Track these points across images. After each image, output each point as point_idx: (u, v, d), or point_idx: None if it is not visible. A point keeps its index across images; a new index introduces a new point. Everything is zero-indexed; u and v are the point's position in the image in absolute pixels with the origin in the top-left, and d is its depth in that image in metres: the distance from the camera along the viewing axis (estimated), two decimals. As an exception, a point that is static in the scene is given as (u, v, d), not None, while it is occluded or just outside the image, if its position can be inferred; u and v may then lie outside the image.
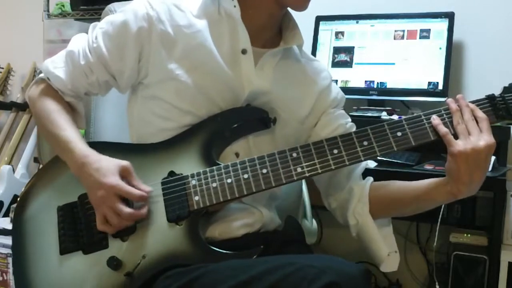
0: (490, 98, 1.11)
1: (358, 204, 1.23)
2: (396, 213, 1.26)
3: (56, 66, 1.22)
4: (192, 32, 1.17)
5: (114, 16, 1.22)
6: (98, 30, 1.21)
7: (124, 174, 1.09)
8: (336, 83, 2.16)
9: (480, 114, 1.08)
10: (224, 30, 1.19)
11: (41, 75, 1.25)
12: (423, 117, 1.11)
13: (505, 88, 1.12)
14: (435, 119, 1.10)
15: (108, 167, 1.09)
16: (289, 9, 1.22)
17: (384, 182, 1.26)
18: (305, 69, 1.29)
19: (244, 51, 1.18)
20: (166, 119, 1.18)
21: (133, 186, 1.09)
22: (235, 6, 1.17)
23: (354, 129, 1.27)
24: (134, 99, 1.24)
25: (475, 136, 1.06)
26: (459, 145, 1.06)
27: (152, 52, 1.16)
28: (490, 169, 1.73)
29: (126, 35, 1.17)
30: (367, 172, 1.87)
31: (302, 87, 1.27)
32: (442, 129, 1.08)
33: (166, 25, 1.17)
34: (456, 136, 1.08)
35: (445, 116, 1.10)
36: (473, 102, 1.11)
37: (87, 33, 1.24)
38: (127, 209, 1.07)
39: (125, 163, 1.10)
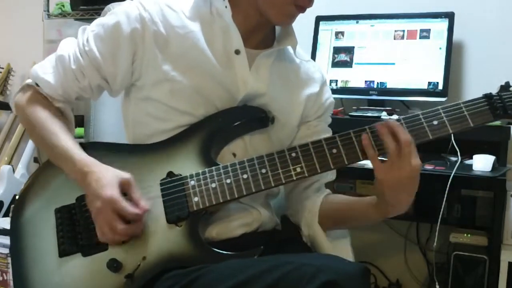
0: (488, 97, 1.10)
1: (308, 215, 1.25)
2: (341, 227, 1.29)
3: (45, 71, 1.19)
4: (186, 32, 1.16)
5: (105, 18, 1.20)
6: (89, 33, 1.19)
7: (124, 187, 1.08)
8: (336, 83, 2.19)
9: (404, 136, 1.05)
10: (216, 30, 1.18)
11: (28, 81, 1.22)
12: (421, 116, 1.10)
13: (502, 86, 1.12)
14: (365, 139, 1.08)
15: (108, 179, 1.07)
16: None
17: (335, 196, 1.28)
18: (298, 70, 1.28)
19: (237, 52, 1.17)
20: (163, 120, 1.17)
21: (133, 199, 1.07)
22: (226, 7, 1.17)
23: None
24: (128, 101, 1.23)
25: (401, 161, 1.04)
26: (383, 170, 1.06)
27: (146, 54, 1.15)
28: (490, 169, 1.74)
29: (119, 37, 1.15)
30: (367, 172, 1.87)
31: (295, 90, 1.26)
32: (370, 151, 1.07)
33: (159, 25, 1.16)
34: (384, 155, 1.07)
35: (405, 125, 1.08)
36: (470, 101, 1.10)
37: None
38: (121, 226, 1.05)
39: (126, 175, 1.09)
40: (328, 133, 1.30)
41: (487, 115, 1.09)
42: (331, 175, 1.29)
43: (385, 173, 1.06)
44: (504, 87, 1.11)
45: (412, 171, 1.05)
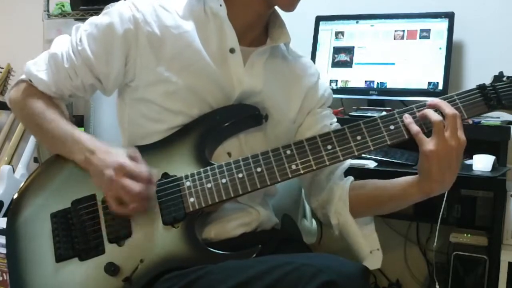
0: (481, 88, 1.09)
1: (339, 204, 1.23)
2: (375, 212, 1.26)
3: (39, 69, 1.20)
4: (180, 32, 1.16)
5: (98, 18, 1.20)
6: (82, 32, 1.19)
7: (132, 157, 1.09)
8: (336, 83, 2.19)
9: (451, 111, 1.06)
10: (211, 29, 1.18)
11: (22, 77, 1.23)
12: (415, 109, 1.10)
13: (495, 77, 1.11)
14: (407, 118, 1.09)
15: (117, 151, 1.09)
16: (276, 7, 1.21)
17: (363, 181, 1.26)
18: (292, 67, 1.29)
19: (232, 50, 1.18)
20: (157, 121, 1.17)
21: None
22: (221, 5, 1.17)
23: None
24: (123, 103, 1.24)
25: (447, 135, 1.04)
26: (431, 144, 1.05)
27: (139, 55, 1.15)
28: (490, 169, 1.73)
29: (112, 38, 1.15)
30: (366, 172, 1.87)
31: (290, 86, 1.26)
32: (414, 127, 1.07)
33: (152, 26, 1.16)
34: (428, 135, 1.06)
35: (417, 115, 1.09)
36: (463, 92, 1.10)
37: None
38: (138, 186, 1.04)
39: (133, 149, 1.10)
40: (333, 119, 1.31)
41: (481, 106, 1.09)
42: (347, 162, 1.28)
43: (434, 146, 1.04)
44: (498, 77, 1.11)
45: (460, 145, 1.05)
